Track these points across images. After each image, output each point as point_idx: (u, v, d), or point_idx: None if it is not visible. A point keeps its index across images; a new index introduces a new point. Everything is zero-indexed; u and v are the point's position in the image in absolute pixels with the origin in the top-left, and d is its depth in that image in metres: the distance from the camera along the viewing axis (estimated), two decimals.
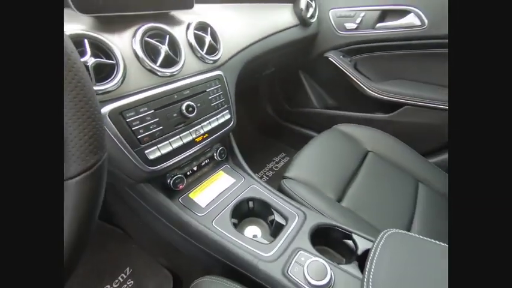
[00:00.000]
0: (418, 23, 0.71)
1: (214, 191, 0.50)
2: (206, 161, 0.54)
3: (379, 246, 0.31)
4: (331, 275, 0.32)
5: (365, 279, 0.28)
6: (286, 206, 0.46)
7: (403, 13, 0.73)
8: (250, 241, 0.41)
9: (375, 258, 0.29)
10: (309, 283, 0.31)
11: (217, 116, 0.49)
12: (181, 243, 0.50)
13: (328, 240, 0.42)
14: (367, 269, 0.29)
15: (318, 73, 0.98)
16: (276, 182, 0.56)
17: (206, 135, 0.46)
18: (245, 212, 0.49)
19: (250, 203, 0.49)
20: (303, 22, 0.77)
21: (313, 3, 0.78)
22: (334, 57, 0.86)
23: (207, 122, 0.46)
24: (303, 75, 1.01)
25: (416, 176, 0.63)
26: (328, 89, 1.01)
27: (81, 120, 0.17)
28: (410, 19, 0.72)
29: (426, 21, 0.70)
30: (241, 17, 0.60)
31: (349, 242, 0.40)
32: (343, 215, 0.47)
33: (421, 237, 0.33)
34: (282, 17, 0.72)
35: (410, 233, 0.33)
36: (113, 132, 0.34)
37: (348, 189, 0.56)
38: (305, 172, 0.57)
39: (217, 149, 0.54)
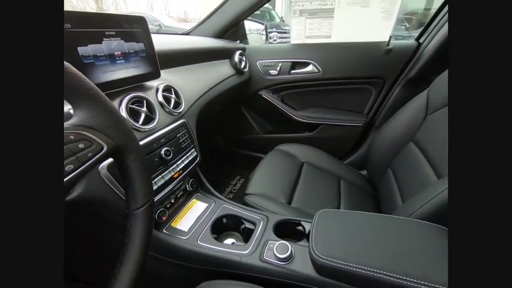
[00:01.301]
0: (316, 70, 1.03)
1: (193, 217, 0.60)
2: (181, 193, 0.63)
3: (315, 221, 0.48)
4: (291, 249, 0.47)
5: (310, 245, 0.44)
6: (252, 215, 0.60)
7: (306, 64, 1.04)
8: (231, 246, 0.52)
9: (313, 229, 0.47)
10: (278, 258, 0.46)
11: (187, 155, 0.61)
12: (167, 271, 0.56)
13: (286, 230, 0.58)
14: (311, 238, 0.45)
15: (256, 107, 1.21)
16: (239, 199, 0.70)
17: (181, 171, 0.58)
18: (222, 227, 0.60)
19: (224, 219, 0.61)
20: (238, 72, 0.99)
21: (243, 58, 1.02)
22: (266, 94, 1.11)
23: (181, 160, 0.58)
24: (245, 109, 1.22)
25: (338, 175, 0.88)
26: (266, 118, 1.25)
27: (144, 174, 0.28)
28: (311, 68, 1.03)
29: (320, 69, 1.02)
30: (193, 75, 0.76)
31: (300, 227, 0.56)
32: (293, 212, 0.65)
33: (341, 210, 0.51)
34: (223, 70, 0.92)
35: (334, 209, 0.52)
36: (108, 179, 0.42)
37: (294, 193, 0.75)
38: (261, 187, 0.74)
39: (189, 181, 0.65)
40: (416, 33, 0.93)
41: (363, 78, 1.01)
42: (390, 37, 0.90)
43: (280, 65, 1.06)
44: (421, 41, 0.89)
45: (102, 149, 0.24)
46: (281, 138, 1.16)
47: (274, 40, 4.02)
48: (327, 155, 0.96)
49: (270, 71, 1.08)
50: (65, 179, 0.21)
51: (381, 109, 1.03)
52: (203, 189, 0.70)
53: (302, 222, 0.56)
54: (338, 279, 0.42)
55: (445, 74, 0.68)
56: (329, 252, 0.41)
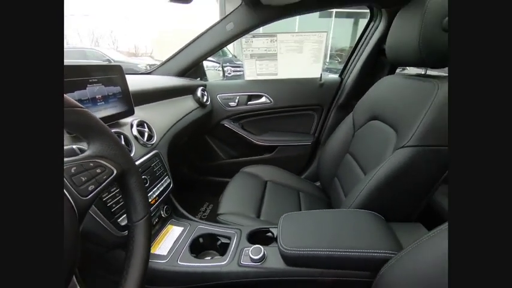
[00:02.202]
0: (268, 101, 1.22)
1: (170, 241, 0.63)
2: (156, 220, 0.66)
3: (280, 224, 0.59)
4: (263, 251, 0.55)
5: (278, 243, 0.54)
6: (226, 230, 0.67)
7: (260, 96, 1.23)
8: (210, 260, 0.58)
9: (280, 229, 0.57)
10: (254, 259, 0.53)
11: (162, 182, 0.66)
12: None
13: (257, 238, 0.66)
14: (278, 237, 0.55)
15: (219, 135, 1.32)
16: (212, 221, 0.75)
17: (157, 197, 0.62)
18: (199, 247, 0.65)
19: (201, 239, 0.66)
20: (201, 105, 1.10)
21: (205, 93, 1.14)
22: (227, 123, 1.23)
23: (156, 187, 0.63)
24: (209, 138, 1.31)
25: (297, 189, 1.01)
26: (229, 145, 1.36)
27: (143, 191, 0.35)
28: (264, 99, 1.22)
29: (272, 99, 1.22)
30: (162, 110, 0.84)
31: (269, 234, 0.66)
32: (262, 223, 0.74)
33: (301, 211, 0.62)
34: (187, 105, 1.02)
35: (294, 212, 0.63)
36: (93, 211, 0.46)
37: (261, 208, 0.85)
38: (231, 206, 0.81)
39: (163, 208, 0.69)
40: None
41: (306, 105, 1.23)
42: (321, 74, 1.16)
43: (238, 97, 1.22)
44: (342, 76, 1.17)
45: (113, 172, 0.31)
46: (245, 162, 1.27)
47: (229, 73, 4.34)
48: (286, 172, 1.10)
49: (230, 103, 1.23)
50: (88, 196, 0.27)
51: (324, 129, 1.26)
52: (177, 214, 0.74)
53: (271, 229, 0.65)
54: (304, 265, 0.52)
55: (363, 99, 0.92)
56: (293, 244, 0.51)
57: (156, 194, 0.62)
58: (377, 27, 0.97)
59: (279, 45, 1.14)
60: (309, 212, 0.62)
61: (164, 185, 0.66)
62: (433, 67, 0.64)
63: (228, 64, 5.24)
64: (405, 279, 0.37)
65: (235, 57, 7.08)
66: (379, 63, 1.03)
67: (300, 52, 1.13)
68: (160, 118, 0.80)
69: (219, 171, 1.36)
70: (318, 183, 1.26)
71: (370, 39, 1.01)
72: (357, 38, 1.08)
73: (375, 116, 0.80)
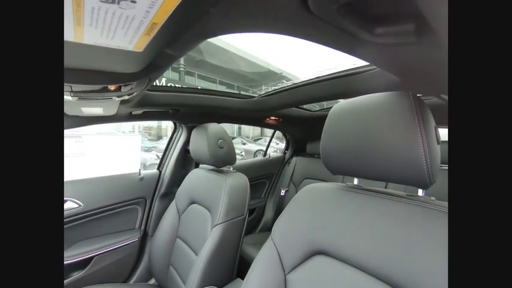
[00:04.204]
0: (75, 205, 1.03)
1: None
2: None
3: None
4: None
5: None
6: None
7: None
8: None
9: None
10: None
11: None
12: None
13: None
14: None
15: None
16: None
17: None
18: None
19: None
20: None
21: None
22: None
23: None
24: None
25: None
26: None
27: None
28: (70, 204, 1.02)
29: (82, 203, 1.05)
30: None
31: None
32: None
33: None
34: None
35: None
36: None
37: None
38: None
39: None
40: (157, 142, 1.38)
41: (129, 200, 1.20)
42: (140, 169, 1.25)
43: None
44: (160, 169, 1.34)
45: None
46: None
47: None
48: (109, 286, 0.94)
49: None
50: None
51: (150, 220, 1.27)
52: None
53: None
54: None
55: (181, 187, 1.11)
56: None
57: None
58: (181, 135, 1.31)
59: (86, 145, 1.09)
60: None
61: None
62: (219, 167, 1.03)
63: None
64: None
65: None
66: (188, 159, 1.34)
67: (114, 151, 1.16)
68: None
69: None
70: (152, 281, 1.18)
71: (177, 142, 1.32)
72: (165, 123, 1.36)
73: (194, 201, 1.02)
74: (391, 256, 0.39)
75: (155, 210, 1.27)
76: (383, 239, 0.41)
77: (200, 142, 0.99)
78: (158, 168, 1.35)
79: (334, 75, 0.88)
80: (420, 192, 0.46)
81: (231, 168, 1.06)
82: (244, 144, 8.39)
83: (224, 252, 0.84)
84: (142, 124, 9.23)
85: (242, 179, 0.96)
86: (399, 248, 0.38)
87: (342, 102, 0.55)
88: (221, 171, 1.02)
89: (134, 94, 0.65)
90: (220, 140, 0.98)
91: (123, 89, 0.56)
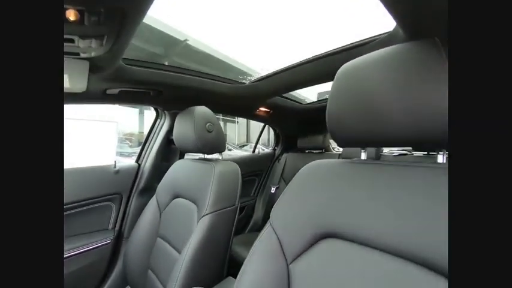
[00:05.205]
0: None
1: None
2: None
3: None
4: None
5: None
6: None
7: None
8: None
9: None
10: None
11: None
12: None
13: None
14: None
15: None
16: None
17: None
18: None
19: None
20: None
21: None
22: None
23: None
24: None
25: None
26: None
27: None
28: None
29: None
30: None
31: None
32: None
33: None
34: None
35: None
36: None
37: None
38: None
39: None
40: (137, 148, 1.24)
41: (101, 196, 1.05)
42: (115, 161, 1.10)
43: None
44: (139, 162, 1.20)
45: None
46: None
47: None
48: None
49: None
50: None
51: (126, 219, 1.12)
52: None
53: None
54: None
55: (164, 181, 0.99)
56: None
57: None
58: (164, 123, 1.19)
59: None
60: None
61: None
62: (208, 153, 0.92)
63: None
64: None
65: None
66: (172, 150, 1.22)
67: (85, 139, 1.01)
68: None
69: None
70: None
71: (159, 131, 1.19)
72: (148, 128, 1.23)
73: (177, 195, 0.91)
74: (416, 230, 0.34)
75: (132, 207, 1.12)
76: (405, 212, 0.35)
77: (186, 127, 0.89)
78: (137, 161, 1.21)
79: (330, 52, 0.83)
80: (440, 158, 0.40)
81: (220, 157, 0.96)
82: (230, 150, 8.27)
83: (213, 247, 0.73)
84: (123, 131, 8.80)
85: (233, 166, 0.87)
86: (425, 220, 0.33)
87: (351, 61, 0.48)
88: (208, 160, 0.91)
89: (94, 55, 0.54)
90: (209, 123, 0.88)
91: (81, 44, 0.46)
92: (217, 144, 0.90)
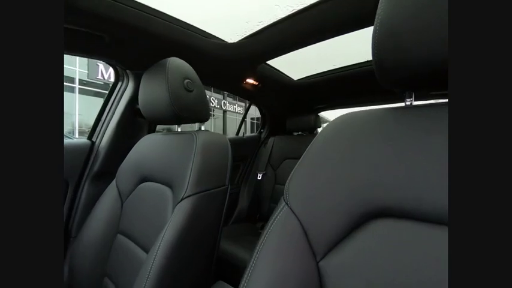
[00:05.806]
0: None
1: None
2: None
3: None
4: None
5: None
6: None
7: None
8: None
9: None
10: None
11: None
12: None
13: None
14: None
15: None
16: None
17: None
18: None
19: None
20: None
21: None
22: None
23: None
24: None
25: None
26: None
27: None
28: None
29: None
30: None
31: None
32: None
33: None
34: None
35: None
36: None
37: None
38: None
39: None
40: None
41: None
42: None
43: None
44: (93, 139, 0.93)
45: None
46: None
47: None
48: None
49: None
50: None
51: (74, 213, 0.85)
52: None
53: None
54: None
55: (125, 162, 0.75)
56: None
57: None
58: (125, 88, 0.92)
59: None
60: None
61: None
62: (186, 122, 0.71)
63: None
64: None
65: None
66: (137, 123, 0.96)
67: None
68: None
69: None
70: None
71: (120, 99, 0.92)
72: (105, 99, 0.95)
73: (145, 178, 0.68)
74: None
75: (83, 198, 0.86)
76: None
77: (156, 86, 0.66)
78: (90, 138, 0.93)
79: None
80: None
81: (202, 128, 0.75)
82: None
83: (195, 241, 0.53)
84: (86, 123, 7.79)
85: (220, 137, 0.67)
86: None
87: None
88: (189, 131, 0.70)
89: None
90: (187, 80, 0.66)
91: None
92: (199, 108, 0.69)
